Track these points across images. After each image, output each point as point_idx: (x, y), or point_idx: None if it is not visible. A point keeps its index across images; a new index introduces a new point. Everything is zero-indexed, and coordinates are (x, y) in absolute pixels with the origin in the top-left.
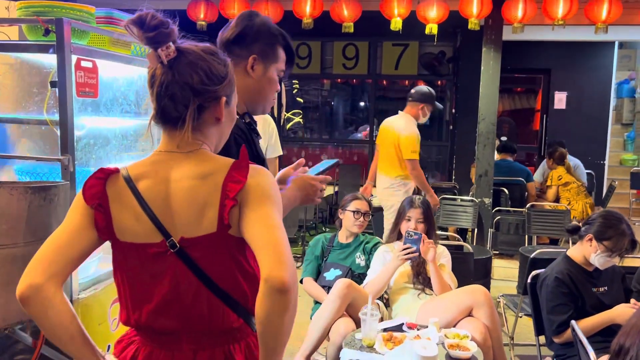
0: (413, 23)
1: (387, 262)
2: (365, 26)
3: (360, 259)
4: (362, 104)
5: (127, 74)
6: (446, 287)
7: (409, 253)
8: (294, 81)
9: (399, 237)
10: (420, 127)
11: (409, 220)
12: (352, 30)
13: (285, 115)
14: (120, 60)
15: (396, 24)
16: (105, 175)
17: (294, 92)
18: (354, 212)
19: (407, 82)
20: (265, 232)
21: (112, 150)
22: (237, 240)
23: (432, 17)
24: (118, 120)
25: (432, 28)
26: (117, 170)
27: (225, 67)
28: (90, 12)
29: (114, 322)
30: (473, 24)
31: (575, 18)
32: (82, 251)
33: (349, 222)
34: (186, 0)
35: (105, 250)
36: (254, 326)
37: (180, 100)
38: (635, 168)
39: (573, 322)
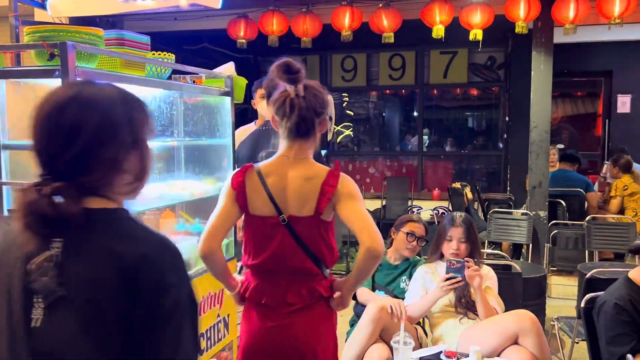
0: (459, 30)
1: (426, 285)
2: (411, 35)
3: (405, 284)
4: (411, 114)
5: (141, 95)
6: (492, 313)
7: (453, 283)
8: (343, 94)
9: (441, 257)
10: (471, 136)
11: (450, 240)
12: (392, 40)
13: (335, 128)
14: (134, 82)
15: (438, 31)
16: (245, 170)
17: (343, 104)
18: (407, 234)
19: (458, 90)
20: (359, 219)
21: None
22: (325, 223)
23: (476, 22)
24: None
25: (476, 34)
26: (251, 167)
27: (326, 96)
28: (98, 34)
29: None
30: (520, 27)
31: (634, 16)
32: (232, 222)
33: (401, 245)
34: (226, 19)
35: None
36: (327, 274)
37: (310, 120)
38: None
39: (629, 356)
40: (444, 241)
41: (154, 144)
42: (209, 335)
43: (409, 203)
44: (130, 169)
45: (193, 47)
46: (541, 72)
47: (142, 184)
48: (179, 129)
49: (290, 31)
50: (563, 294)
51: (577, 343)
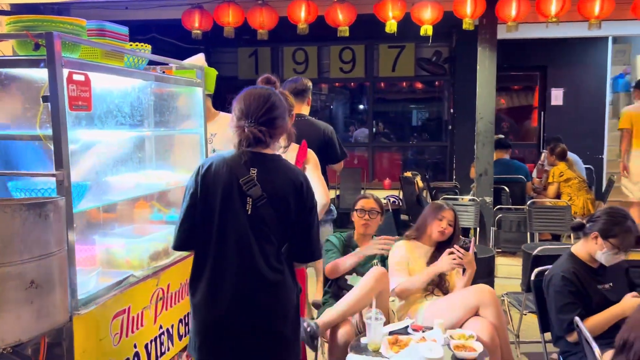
0: (408, 25)
1: (408, 261)
2: (361, 30)
3: (377, 265)
4: (361, 106)
5: (121, 85)
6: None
7: (458, 261)
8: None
9: (419, 237)
10: (418, 128)
11: (441, 220)
12: (347, 34)
13: None
14: (114, 72)
15: (391, 26)
16: None
17: None
18: (357, 210)
19: (404, 83)
20: (319, 181)
21: (109, 162)
22: None
23: (427, 18)
24: (113, 133)
25: (427, 29)
26: None
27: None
28: (81, 25)
29: (115, 337)
30: (467, 23)
31: (569, 15)
32: None
33: (358, 223)
34: (179, 10)
35: (104, 265)
36: None
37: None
38: None
39: (577, 319)
40: (435, 220)
41: (128, 135)
42: (186, 321)
43: (362, 193)
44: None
45: (141, 37)
46: (486, 66)
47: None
48: (152, 119)
49: (245, 23)
50: (508, 274)
51: (525, 315)
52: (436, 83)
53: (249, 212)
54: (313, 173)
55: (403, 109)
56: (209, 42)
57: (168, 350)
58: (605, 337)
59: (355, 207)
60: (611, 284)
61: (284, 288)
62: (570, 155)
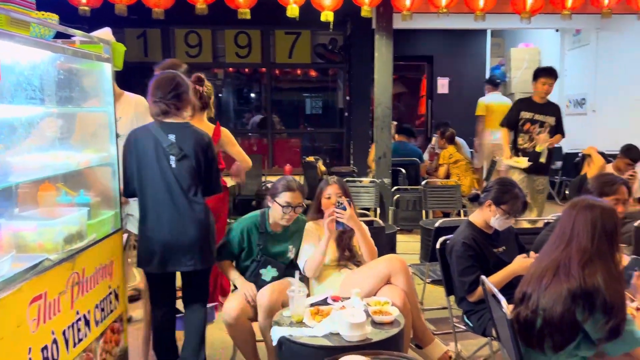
0: (305, 11)
1: (318, 239)
2: (258, 14)
3: (291, 252)
4: (257, 92)
5: (29, 57)
6: (374, 250)
7: (335, 217)
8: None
9: (321, 215)
10: (315, 116)
11: (329, 198)
12: (248, 16)
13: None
14: (19, 41)
15: (292, 11)
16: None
17: None
18: (283, 206)
19: (299, 71)
20: (239, 153)
21: (20, 138)
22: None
23: (328, 4)
24: (24, 108)
25: (327, 15)
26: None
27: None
28: None
29: (32, 323)
30: (366, 11)
31: (457, 7)
32: None
33: (277, 215)
34: None
35: (18, 249)
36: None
37: None
38: None
39: (483, 277)
40: (324, 199)
41: (33, 111)
42: (102, 306)
43: (263, 179)
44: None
45: None
46: (383, 54)
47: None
48: (58, 95)
49: (140, 2)
50: (406, 249)
51: (428, 283)
52: (330, 71)
53: (173, 166)
54: (232, 149)
55: (301, 96)
56: (90, 21)
57: (85, 336)
58: (504, 294)
59: (278, 200)
60: (504, 247)
61: (202, 213)
62: (457, 139)
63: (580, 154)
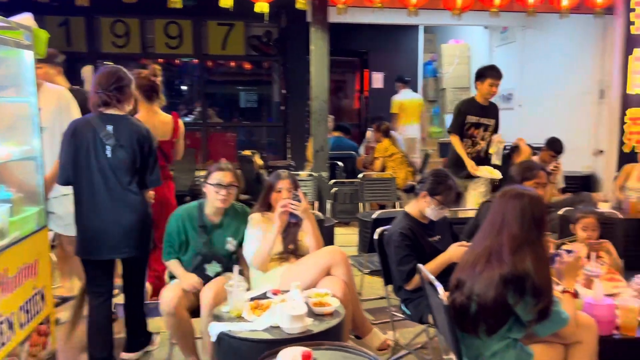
0: (239, 2)
1: (264, 231)
2: (189, 4)
3: (230, 244)
4: (190, 85)
5: None
6: (321, 244)
7: (288, 207)
8: (106, 62)
9: (269, 208)
10: (250, 109)
11: (280, 191)
12: (180, 5)
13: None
14: None
15: (226, 1)
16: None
17: None
18: (214, 185)
19: (233, 63)
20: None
21: None
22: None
23: None
24: None
25: (262, 7)
26: None
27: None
28: None
29: None
30: (301, 3)
31: (391, 2)
32: None
33: (212, 197)
34: None
35: None
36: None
37: None
38: (441, 139)
39: (420, 265)
40: (274, 192)
41: None
42: (27, 308)
43: (196, 174)
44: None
45: None
46: (319, 47)
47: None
48: None
49: None
50: (344, 242)
51: (366, 274)
52: (266, 64)
53: (109, 156)
54: (182, 141)
55: (235, 89)
56: (9, 7)
57: (9, 340)
58: (438, 282)
59: (210, 181)
60: (439, 236)
61: (137, 202)
62: (392, 132)
63: (509, 146)
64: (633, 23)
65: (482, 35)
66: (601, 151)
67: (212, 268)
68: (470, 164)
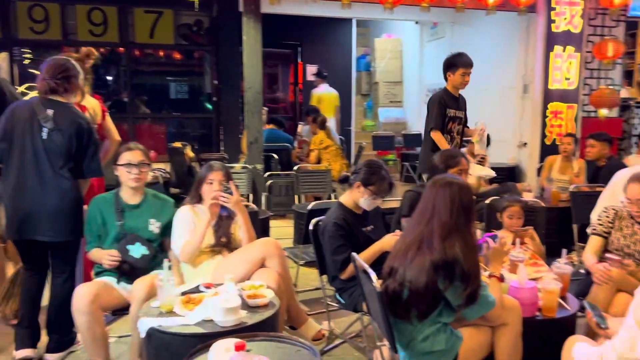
0: None
1: (192, 223)
2: None
3: (154, 226)
4: (116, 75)
5: None
6: (254, 237)
7: (219, 201)
8: (22, 49)
9: (200, 200)
10: (181, 100)
11: (211, 183)
12: None
13: (20, 89)
14: None
15: None
16: None
17: (24, 62)
18: (124, 165)
19: (161, 52)
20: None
21: None
22: None
23: None
24: None
25: None
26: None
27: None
28: None
29: None
30: None
31: None
32: None
33: (125, 178)
34: None
35: None
36: None
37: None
38: (374, 132)
39: (354, 254)
40: (205, 184)
41: None
42: None
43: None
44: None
45: None
46: (252, 37)
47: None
48: None
49: None
50: (279, 235)
51: (302, 265)
52: (197, 54)
53: (44, 137)
54: (110, 119)
55: (165, 79)
56: None
57: None
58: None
59: (120, 162)
60: (373, 226)
61: (67, 187)
62: (327, 125)
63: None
64: (554, 21)
65: (414, 30)
66: (525, 143)
67: (136, 249)
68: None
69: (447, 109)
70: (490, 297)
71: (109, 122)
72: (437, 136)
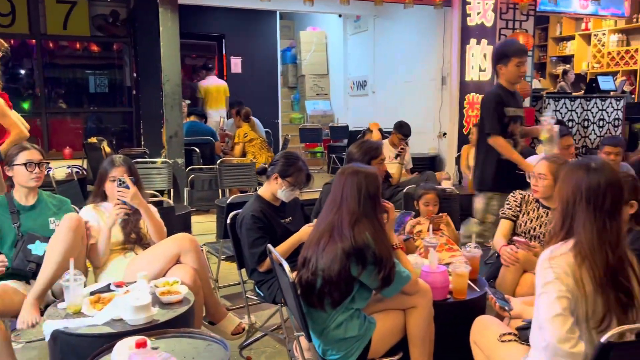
0: None
1: (98, 222)
2: None
3: (55, 225)
4: (29, 68)
5: None
6: (162, 231)
7: (122, 208)
8: None
9: (104, 198)
10: (100, 94)
11: (113, 180)
12: None
13: None
14: None
15: None
16: None
17: None
18: (25, 164)
19: (78, 44)
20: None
21: None
22: None
23: None
24: None
25: None
26: None
27: None
28: None
29: None
30: None
31: None
32: None
33: (24, 178)
34: None
35: None
36: None
37: None
38: (302, 125)
39: (270, 246)
40: (107, 181)
41: None
42: None
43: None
44: None
45: None
46: (169, 28)
47: None
48: None
49: None
50: (203, 230)
51: (223, 259)
52: (115, 47)
53: None
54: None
55: (83, 73)
56: None
57: None
58: (288, 262)
59: (19, 162)
60: (291, 218)
61: None
62: (252, 118)
63: (363, 130)
64: (469, 15)
65: (338, 23)
66: (445, 134)
67: (38, 247)
68: (527, 167)
69: (505, 107)
70: (404, 272)
71: (13, 116)
72: (498, 142)
